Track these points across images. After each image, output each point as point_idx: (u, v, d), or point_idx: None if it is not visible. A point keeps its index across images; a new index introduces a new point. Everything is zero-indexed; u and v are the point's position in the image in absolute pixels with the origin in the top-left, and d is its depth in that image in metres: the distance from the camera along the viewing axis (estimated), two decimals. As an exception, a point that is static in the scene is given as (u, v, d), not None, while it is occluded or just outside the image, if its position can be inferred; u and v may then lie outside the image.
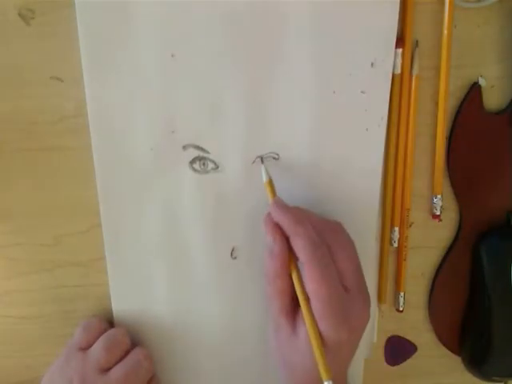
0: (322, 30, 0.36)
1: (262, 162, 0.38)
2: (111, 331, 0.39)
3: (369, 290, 0.37)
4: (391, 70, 0.37)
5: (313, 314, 0.33)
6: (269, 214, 0.36)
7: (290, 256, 0.35)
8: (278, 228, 0.35)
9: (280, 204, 0.36)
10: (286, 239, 0.35)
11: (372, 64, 0.37)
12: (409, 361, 0.48)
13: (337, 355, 0.34)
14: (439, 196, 0.41)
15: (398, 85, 0.38)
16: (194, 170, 0.38)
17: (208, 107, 0.37)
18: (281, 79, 0.36)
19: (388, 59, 0.37)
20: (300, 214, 0.35)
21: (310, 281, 0.33)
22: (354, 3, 0.35)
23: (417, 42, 0.38)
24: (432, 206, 0.42)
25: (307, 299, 0.34)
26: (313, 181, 0.39)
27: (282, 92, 0.37)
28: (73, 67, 0.35)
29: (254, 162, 0.38)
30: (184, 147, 0.38)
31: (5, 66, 0.35)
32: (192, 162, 0.38)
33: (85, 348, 0.39)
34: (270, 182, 0.37)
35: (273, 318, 0.37)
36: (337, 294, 0.33)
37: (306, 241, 0.33)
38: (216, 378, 0.44)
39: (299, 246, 0.34)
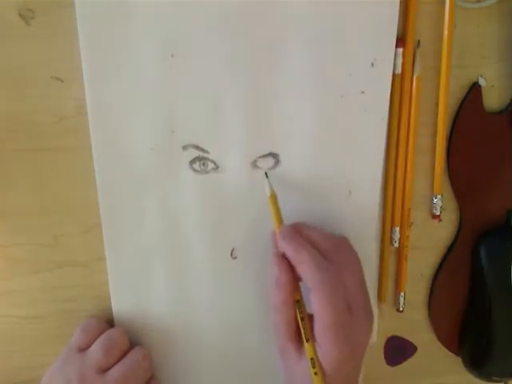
0: (322, 30, 0.36)
1: (267, 176, 0.38)
2: (110, 332, 0.39)
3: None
4: (391, 70, 0.37)
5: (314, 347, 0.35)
6: (276, 246, 0.37)
7: (296, 285, 0.36)
8: (284, 258, 0.36)
9: (284, 234, 0.36)
10: (292, 268, 0.36)
11: (372, 64, 0.37)
12: (409, 361, 0.48)
13: (341, 374, 0.35)
14: (439, 196, 0.41)
15: (399, 85, 0.38)
16: (194, 170, 0.38)
17: (208, 107, 0.37)
18: (281, 79, 0.36)
19: (388, 59, 0.37)
20: (302, 241, 0.36)
21: (316, 305, 0.34)
22: (353, 3, 0.35)
23: (418, 42, 0.38)
24: (432, 205, 0.42)
25: (310, 322, 0.35)
26: (313, 180, 0.39)
27: (281, 92, 0.37)
28: (73, 67, 0.35)
29: (253, 162, 0.38)
30: (184, 147, 0.38)
31: (5, 66, 0.35)
32: (192, 162, 0.38)
33: (84, 349, 0.38)
34: (273, 197, 0.37)
35: (279, 344, 0.38)
36: (341, 318, 0.34)
37: (311, 267, 0.34)
38: (215, 378, 0.44)
39: (306, 273, 0.34)
